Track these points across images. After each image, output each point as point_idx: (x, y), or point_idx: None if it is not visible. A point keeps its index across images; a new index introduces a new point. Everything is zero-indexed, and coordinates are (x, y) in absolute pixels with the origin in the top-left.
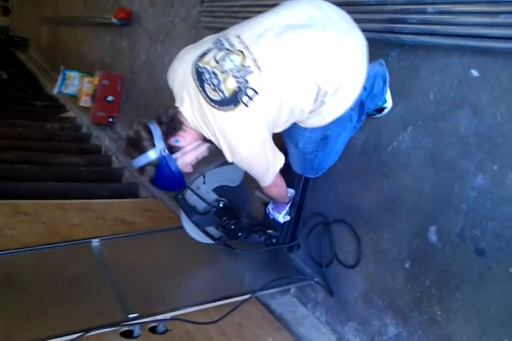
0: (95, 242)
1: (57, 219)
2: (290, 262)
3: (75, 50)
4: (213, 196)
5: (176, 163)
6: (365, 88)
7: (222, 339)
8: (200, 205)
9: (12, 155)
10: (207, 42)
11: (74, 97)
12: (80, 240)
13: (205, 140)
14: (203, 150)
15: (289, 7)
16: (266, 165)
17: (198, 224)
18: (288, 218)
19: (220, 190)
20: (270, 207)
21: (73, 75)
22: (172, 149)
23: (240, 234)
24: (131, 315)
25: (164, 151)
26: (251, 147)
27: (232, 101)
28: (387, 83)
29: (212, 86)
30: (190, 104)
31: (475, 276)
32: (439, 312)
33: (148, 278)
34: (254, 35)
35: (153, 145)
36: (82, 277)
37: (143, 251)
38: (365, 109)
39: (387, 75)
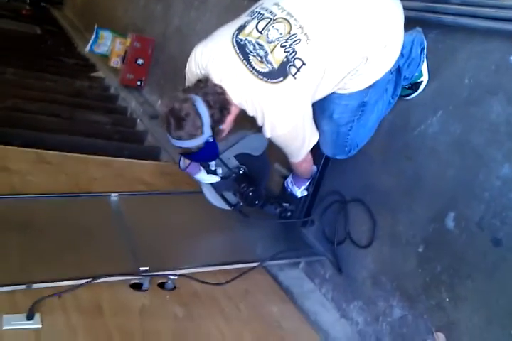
0: (114, 197)
1: (79, 171)
2: (302, 237)
3: (110, 12)
4: (234, 162)
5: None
6: (402, 55)
7: (228, 302)
8: (221, 170)
9: (39, 106)
10: (241, 17)
11: (105, 57)
12: (100, 193)
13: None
14: (233, 125)
15: None
16: (302, 140)
17: (216, 188)
18: (305, 193)
19: (241, 158)
20: (289, 180)
21: (106, 35)
22: (215, 133)
23: (256, 201)
24: (142, 268)
25: (211, 138)
26: (294, 121)
27: (280, 72)
28: (425, 51)
29: (258, 57)
30: (234, 79)
31: (489, 266)
32: (447, 299)
33: (162, 236)
34: (295, 0)
35: (202, 133)
36: (98, 228)
37: (159, 210)
38: (401, 78)
39: (425, 43)
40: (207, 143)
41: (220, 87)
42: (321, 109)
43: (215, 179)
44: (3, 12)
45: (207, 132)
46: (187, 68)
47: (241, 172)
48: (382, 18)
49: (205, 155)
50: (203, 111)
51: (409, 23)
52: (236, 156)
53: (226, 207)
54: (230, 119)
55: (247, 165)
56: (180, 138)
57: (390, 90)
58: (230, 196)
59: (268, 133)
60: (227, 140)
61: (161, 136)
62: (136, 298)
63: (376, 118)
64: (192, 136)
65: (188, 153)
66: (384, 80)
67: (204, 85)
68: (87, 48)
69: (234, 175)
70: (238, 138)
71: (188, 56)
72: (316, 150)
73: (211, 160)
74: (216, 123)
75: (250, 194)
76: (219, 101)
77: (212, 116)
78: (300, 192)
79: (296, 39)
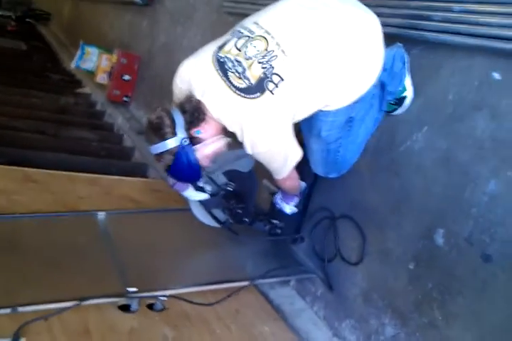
0: (101, 215)
1: (65, 190)
2: (292, 255)
3: (96, 27)
4: (223, 179)
5: (195, 154)
6: (385, 69)
7: (218, 322)
8: (209, 186)
9: (24, 124)
10: (224, 35)
11: (91, 73)
12: (87, 211)
13: (226, 133)
14: (222, 144)
15: None
16: (284, 158)
17: (204, 205)
18: (295, 210)
19: (230, 174)
20: (278, 197)
21: (92, 51)
22: (193, 140)
23: (245, 219)
24: (130, 289)
25: (185, 141)
26: (273, 138)
27: (258, 88)
28: (407, 65)
29: (236, 74)
30: (213, 94)
31: (479, 282)
32: (440, 317)
33: (150, 255)
34: (273, 19)
35: (175, 134)
36: (85, 248)
37: (147, 228)
38: (385, 93)
39: (406, 57)
40: (182, 147)
41: (197, 101)
42: (308, 128)
43: (204, 196)
44: None
45: (180, 133)
46: (173, 84)
47: (229, 189)
48: (361, 32)
49: (183, 165)
50: (176, 115)
51: (391, 39)
52: (224, 173)
53: (215, 224)
54: (210, 131)
55: (236, 181)
56: (154, 143)
57: (376, 105)
58: (218, 213)
59: (249, 149)
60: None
61: (148, 152)
62: (124, 320)
63: (365, 134)
64: (163, 136)
65: (168, 167)
66: (368, 95)
67: (185, 101)
68: (73, 64)
69: (222, 192)
70: (226, 155)
71: (174, 72)
72: (303, 167)
73: (197, 178)
74: (190, 125)
75: (239, 211)
76: (193, 108)
77: (185, 119)
78: (289, 208)
79: (273, 55)
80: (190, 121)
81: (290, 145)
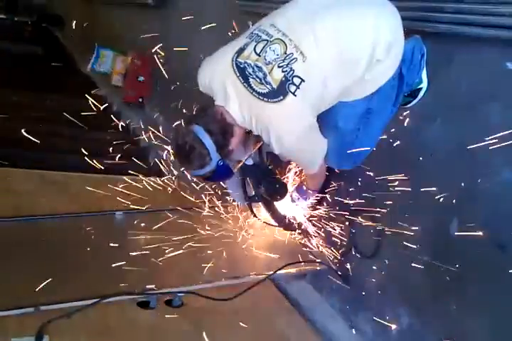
0: (119, 215)
1: (83, 191)
2: (309, 248)
3: (110, 30)
4: (265, 157)
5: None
6: (404, 61)
7: (235, 317)
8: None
9: (41, 127)
10: (240, 38)
11: (106, 75)
12: (105, 211)
13: (251, 136)
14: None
15: None
16: (312, 152)
17: (243, 169)
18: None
19: (272, 157)
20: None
21: (107, 53)
22: (225, 155)
23: (278, 196)
24: (148, 286)
25: (220, 161)
26: (300, 135)
27: (280, 91)
28: (425, 58)
29: (258, 79)
30: (236, 101)
31: (495, 272)
32: (454, 306)
33: (168, 252)
34: (289, 20)
35: (211, 159)
36: (104, 247)
37: (164, 227)
38: (403, 85)
39: (425, 49)
40: (218, 166)
41: (221, 114)
42: (325, 120)
43: (250, 161)
44: (5, 33)
45: (215, 158)
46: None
47: (270, 167)
48: (379, 26)
49: (220, 175)
50: (206, 141)
51: (405, 33)
52: (267, 153)
53: (240, 199)
54: (236, 140)
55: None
56: (192, 169)
57: (393, 97)
58: (249, 187)
59: (277, 148)
60: None
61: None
62: (144, 316)
63: (380, 127)
64: (202, 166)
65: (205, 178)
66: (387, 86)
67: (204, 114)
68: (89, 67)
69: (262, 166)
70: None
71: (188, 72)
72: None
73: (228, 178)
74: (222, 147)
75: (278, 186)
76: (220, 127)
77: (216, 142)
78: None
79: (293, 58)
80: (222, 144)
81: (316, 139)
